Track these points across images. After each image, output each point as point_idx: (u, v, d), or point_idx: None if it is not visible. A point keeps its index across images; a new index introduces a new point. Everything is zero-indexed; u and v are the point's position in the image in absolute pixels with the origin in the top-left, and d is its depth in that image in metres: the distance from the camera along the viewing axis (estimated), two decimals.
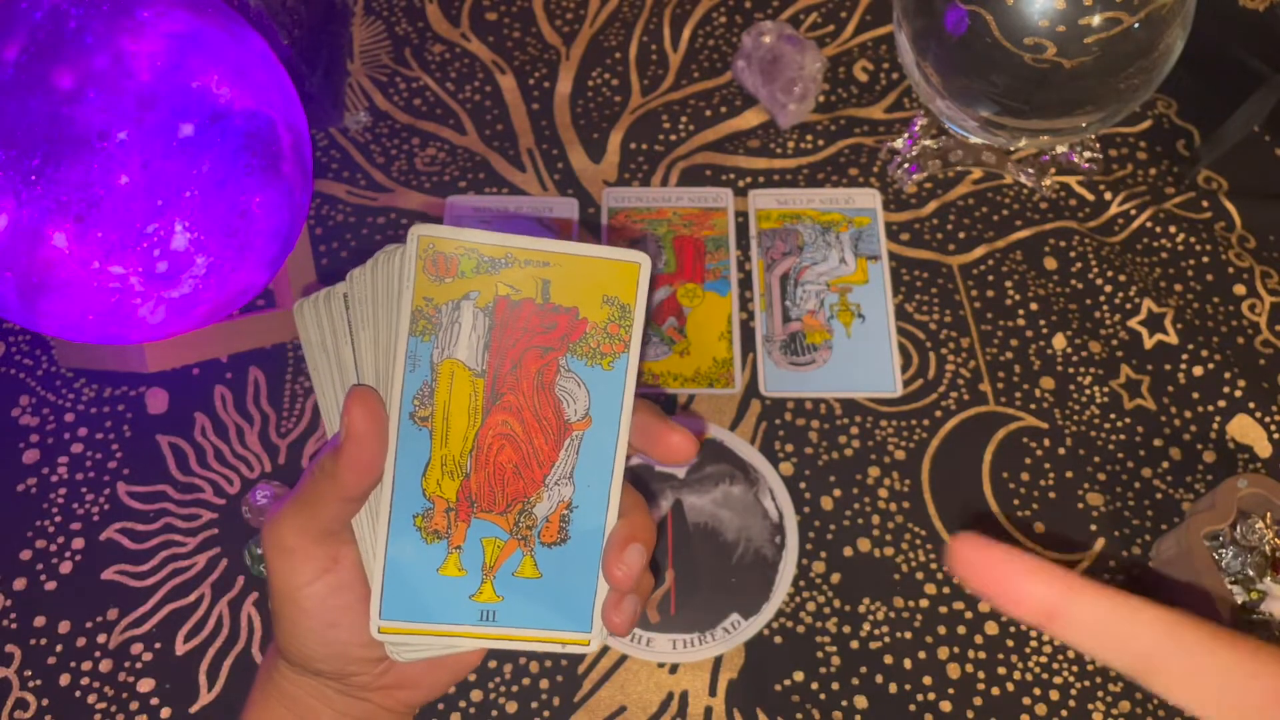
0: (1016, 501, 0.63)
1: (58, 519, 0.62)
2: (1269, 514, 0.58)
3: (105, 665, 0.58)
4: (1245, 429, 0.65)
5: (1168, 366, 0.67)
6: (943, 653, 0.59)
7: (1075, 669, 0.59)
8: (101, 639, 0.59)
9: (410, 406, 0.35)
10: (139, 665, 0.58)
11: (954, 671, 0.59)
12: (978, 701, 0.58)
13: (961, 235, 0.71)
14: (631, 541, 0.36)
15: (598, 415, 0.36)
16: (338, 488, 0.35)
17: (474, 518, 0.36)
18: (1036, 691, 0.58)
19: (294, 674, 0.39)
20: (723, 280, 0.69)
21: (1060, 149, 0.73)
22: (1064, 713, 0.58)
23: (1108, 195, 0.73)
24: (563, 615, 0.37)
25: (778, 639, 0.59)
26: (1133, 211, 0.72)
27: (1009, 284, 0.70)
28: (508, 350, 0.35)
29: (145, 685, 0.58)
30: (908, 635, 0.59)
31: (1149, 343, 0.68)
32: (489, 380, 0.35)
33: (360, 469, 0.35)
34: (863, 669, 0.59)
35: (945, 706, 0.58)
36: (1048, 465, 0.64)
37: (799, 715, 0.58)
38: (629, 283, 0.35)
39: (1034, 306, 0.69)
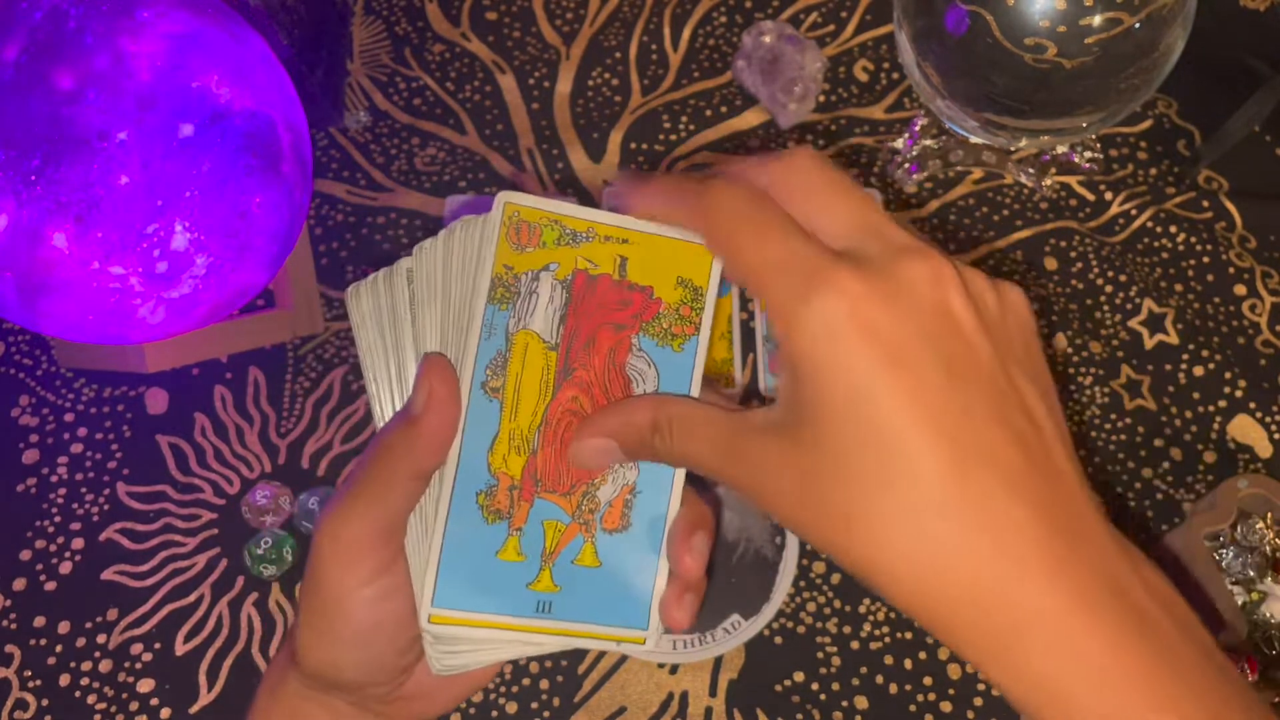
0: None
1: (57, 519, 0.62)
2: (1269, 514, 0.58)
3: (105, 665, 0.58)
4: (1245, 429, 0.65)
5: (1168, 367, 0.67)
6: (943, 653, 0.59)
7: None
8: (101, 639, 0.59)
9: (483, 376, 0.34)
10: (139, 665, 0.58)
11: (954, 671, 0.59)
12: (978, 701, 0.58)
13: (962, 235, 0.71)
14: (698, 528, 0.35)
15: (667, 392, 0.35)
16: (412, 462, 0.34)
17: (537, 498, 0.35)
18: None
19: (306, 689, 0.38)
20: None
21: (1060, 149, 0.73)
22: None
23: (1108, 195, 0.73)
24: (619, 610, 0.35)
25: (778, 639, 0.59)
26: (1133, 211, 0.72)
27: None
28: (582, 325, 0.35)
29: (145, 685, 0.58)
30: (908, 635, 0.59)
31: (1149, 343, 0.68)
32: (561, 354, 0.35)
33: (439, 439, 0.34)
34: (863, 669, 0.59)
35: (945, 706, 0.58)
36: None
37: (799, 715, 0.58)
38: (703, 266, 0.35)
39: (1034, 306, 0.69)
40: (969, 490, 0.28)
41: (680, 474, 0.35)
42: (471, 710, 0.58)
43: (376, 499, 0.35)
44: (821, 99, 0.76)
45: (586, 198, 0.72)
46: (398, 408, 0.38)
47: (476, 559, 0.34)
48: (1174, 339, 0.68)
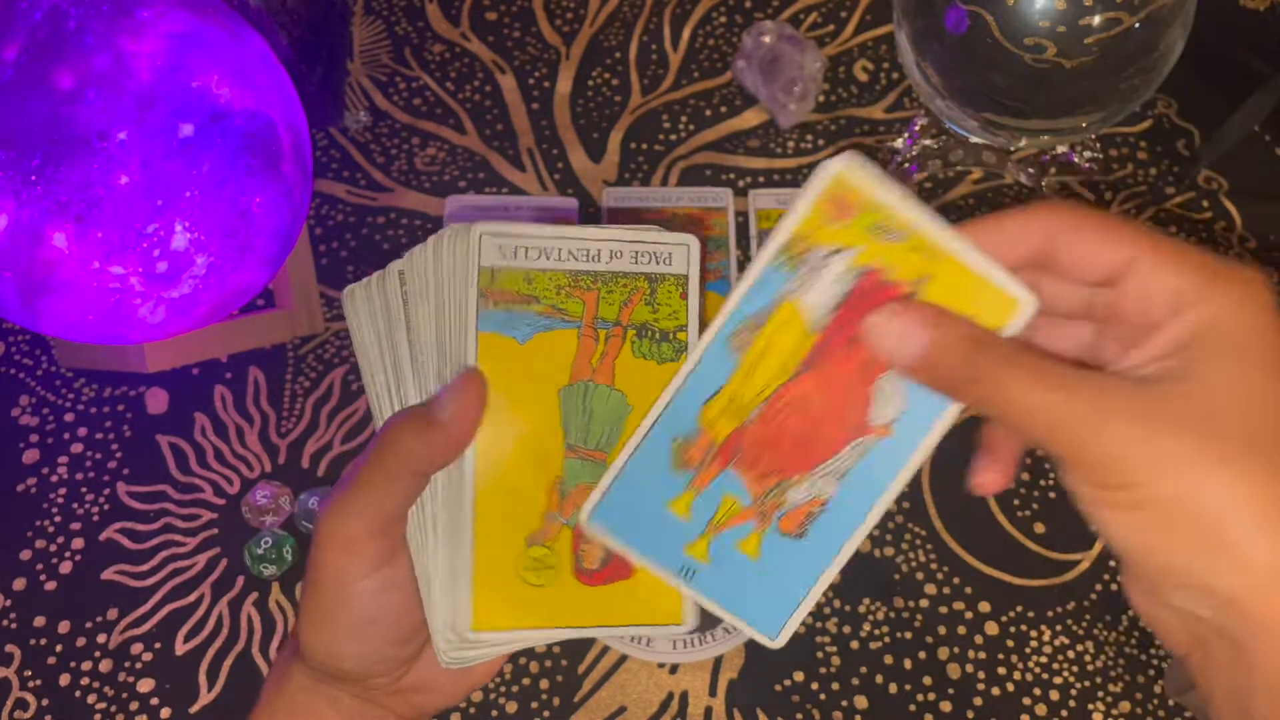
0: (1016, 502, 0.63)
1: (58, 519, 0.62)
2: None
3: (105, 665, 0.58)
4: None
5: None
6: (943, 653, 0.59)
7: (1075, 669, 0.59)
8: (101, 639, 0.59)
9: (733, 328, 0.32)
10: (139, 665, 0.58)
11: (954, 671, 0.59)
12: (978, 701, 0.58)
13: None
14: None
15: (903, 430, 0.33)
16: (423, 462, 0.34)
17: (729, 468, 0.34)
18: (1036, 691, 0.58)
19: (309, 680, 0.38)
20: (723, 280, 0.69)
21: (1060, 149, 0.73)
22: (1064, 713, 0.58)
23: (1108, 195, 0.73)
24: (759, 608, 0.34)
25: None
26: (1133, 211, 0.72)
27: None
28: (854, 321, 0.32)
29: (145, 685, 0.58)
30: (908, 635, 0.59)
31: None
32: (818, 343, 0.32)
33: (455, 448, 0.34)
34: (863, 669, 0.59)
35: (945, 706, 0.58)
36: (1048, 465, 0.64)
37: (799, 715, 0.58)
38: (1001, 316, 0.31)
39: None
40: None
41: (876, 514, 0.34)
42: (471, 710, 0.58)
43: (380, 493, 0.35)
44: (821, 99, 0.76)
45: (586, 197, 0.72)
46: (395, 403, 0.38)
47: (647, 497, 0.34)
48: None
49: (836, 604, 0.60)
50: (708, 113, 0.76)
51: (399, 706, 0.40)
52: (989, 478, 0.34)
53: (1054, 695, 0.58)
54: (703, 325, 0.35)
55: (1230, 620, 0.29)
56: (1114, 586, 0.61)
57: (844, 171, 0.30)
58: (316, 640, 0.37)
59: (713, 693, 0.58)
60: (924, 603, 0.60)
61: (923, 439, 0.33)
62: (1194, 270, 0.29)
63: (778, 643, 0.34)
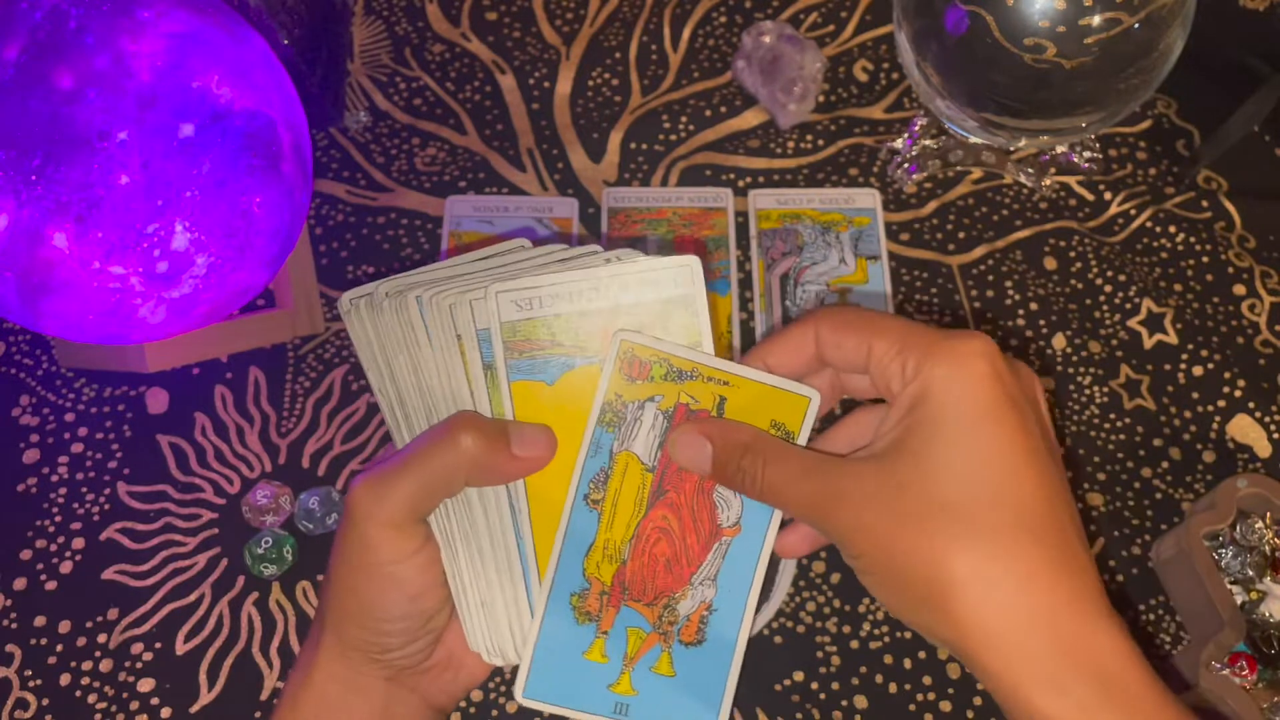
0: None
1: (58, 519, 0.62)
2: (1269, 514, 0.58)
3: (105, 665, 0.58)
4: (1245, 429, 0.65)
5: (1167, 366, 0.67)
6: (942, 653, 0.59)
7: None
8: (101, 639, 0.59)
9: (586, 489, 0.38)
10: (139, 665, 0.58)
11: (954, 671, 0.59)
12: (977, 701, 0.58)
13: (961, 235, 0.71)
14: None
15: (748, 524, 0.38)
16: (479, 477, 0.37)
17: (624, 605, 0.38)
18: None
19: (341, 670, 0.39)
20: (723, 280, 0.69)
21: (1060, 149, 0.73)
22: None
23: (1107, 195, 0.73)
24: (692, 716, 0.38)
25: (778, 639, 0.60)
26: (1132, 211, 0.72)
27: (1009, 284, 0.70)
28: None
29: (145, 685, 0.58)
30: (908, 635, 0.59)
31: (1149, 343, 0.68)
32: (657, 476, 0.38)
33: (512, 477, 0.38)
34: (863, 669, 0.59)
35: (945, 706, 0.58)
36: None
37: (799, 715, 0.58)
38: (797, 413, 0.38)
39: (1034, 306, 0.69)
40: (1056, 542, 0.32)
41: (753, 601, 0.38)
42: (472, 710, 0.58)
43: (434, 486, 0.37)
44: (821, 99, 0.76)
45: (586, 197, 0.72)
46: (401, 415, 0.40)
47: (565, 655, 0.38)
48: (1173, 339, 0.68)
49: (836, 604, 0.60)
50: (708, 113, 0.76)
51: (428, 688, 0.41)
52: (791, 542, 0.40)
53: None
54: (716, 335, 0.39)
55: (964, 661, 0.33)
56: (1112, 587, 0.61)
57: (623, 341, 0.38)
58: (364, 619, 0.38)
59: None
60: None
61: (767, 526, 0.38)
62: (916, 346, 0.34)
63: None
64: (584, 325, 0.38)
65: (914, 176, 0.72)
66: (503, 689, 0.58)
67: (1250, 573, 0.57)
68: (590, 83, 0.77)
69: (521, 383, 0.38)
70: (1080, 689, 0.31)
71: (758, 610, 0.58)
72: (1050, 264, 0.70)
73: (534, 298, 0.38)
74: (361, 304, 0.40)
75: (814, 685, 0.58)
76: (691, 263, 0.38)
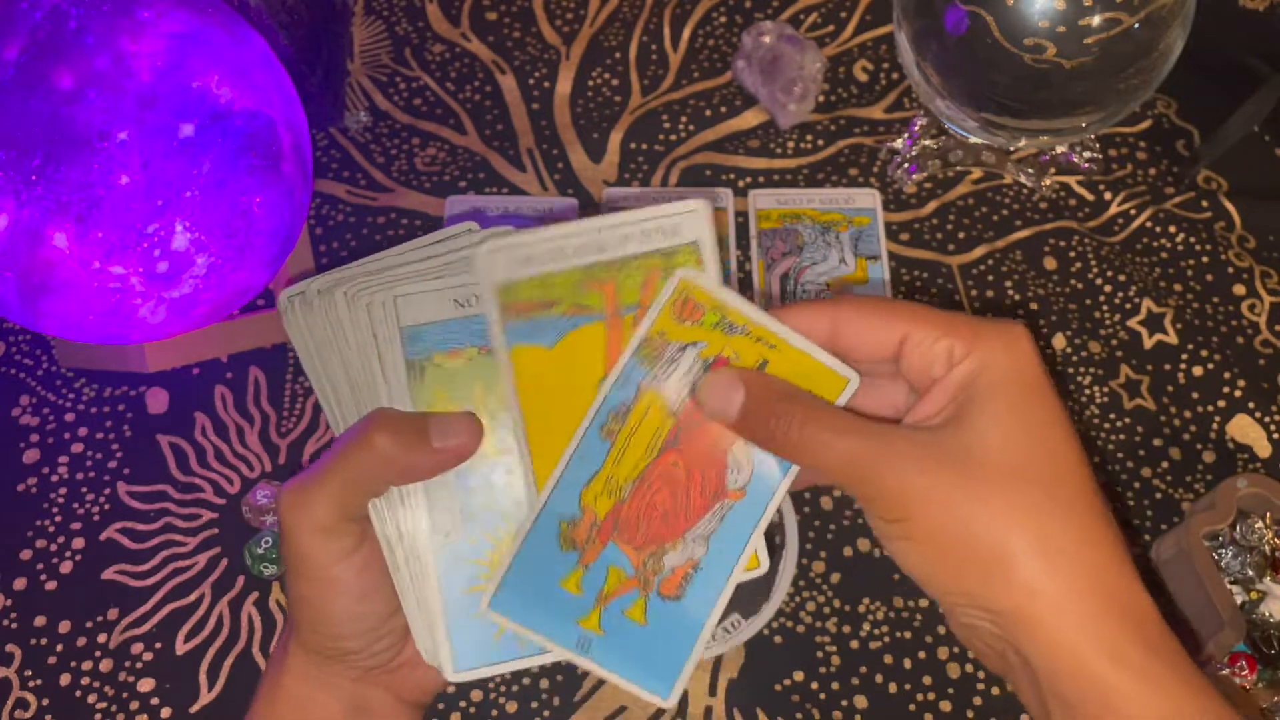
0: None
1: (58, 519, 0.62)
2: (1269, 514, 0.58)
3: (105, 665, 0.58)
4: (1245, 429, 0.65)
5: (1167, 366, 0.67)
6: (943, 653, 0.59)
7: None
8: (102, 639, 0.59)
9: (604, 418, 0.37)
10: (139, 665, 0.58)
11: (954, 671, 0.59)
12: (977, 701, 0.58)
13: (961, 235, 0.71)
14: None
15: (753, 492, 0.37)
16: (405, 475, 0.36)
17: (611, 542, 0.37)
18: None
19: (309, 670, 0.39)
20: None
21: (1060, 149, 0.73)
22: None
23: (1107, 195, 0.73)
24: (649, 670, 0.37)
25: (777, 639, 0.60)
26: (1132, 211, 0.72)
27: (1008, 284, 0.70)
28: None
29: (145, 685, 0.58)
30: (908, 635, 0.59)
31: (1149, 343, 0.68)
32: (678, 422, 0.37)
33: (436, 471, 0.37)
34: (863, 669, 0.59)
35: (945, 706, 0.58)
36: None
37: (799, 715, 0.58)
38: (833, 393, 0.36)
39: (1034, 306, 0.69)
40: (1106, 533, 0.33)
41: (739, 571, 0.37)
42: (472, 710, 0.58)
43: (357, 493, 0.36)
44: (821, 99, 0.76)
45: (586, 197, 0.72)
46: (341, 415, 0.39)
47: (541, 579, 0.37)
48: (1173, 339, 0.68)
49: (836, 604, 0.60)
50: (708, 113, 0.76)
51: (399, 685, 0.41)
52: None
53: None
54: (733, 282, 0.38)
55: (1011, 635, 0.32)
56: None
57: (683, 280, 0.36)
58: (317, 625, 0.38)
59: (712, 692, 0.58)
60: (924, 603, 0.60)
61: (769, 498, 0.37)
62: (960, 331, 0.34)
63: (669, 702, 0.37)
64: (585, 281, 0.36)
65: (914, 176, 0.72)
66: (503, 689, 0.58)
67: (1250, 573, 0.57)
68: (590, 83, 0.77)
69: (521, 348, 0.36)
70: (1137, 654, 0.31)
71: (757, 612, 0.58)
72: (1050, 264, 0.70)
73: (530, 255, 0.36)
74: (296, 302, 0.38)
75: (814, 685, 0.58)
76: (699, 206, 0.36)
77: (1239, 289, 0.70)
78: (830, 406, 0.36)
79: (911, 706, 0.58)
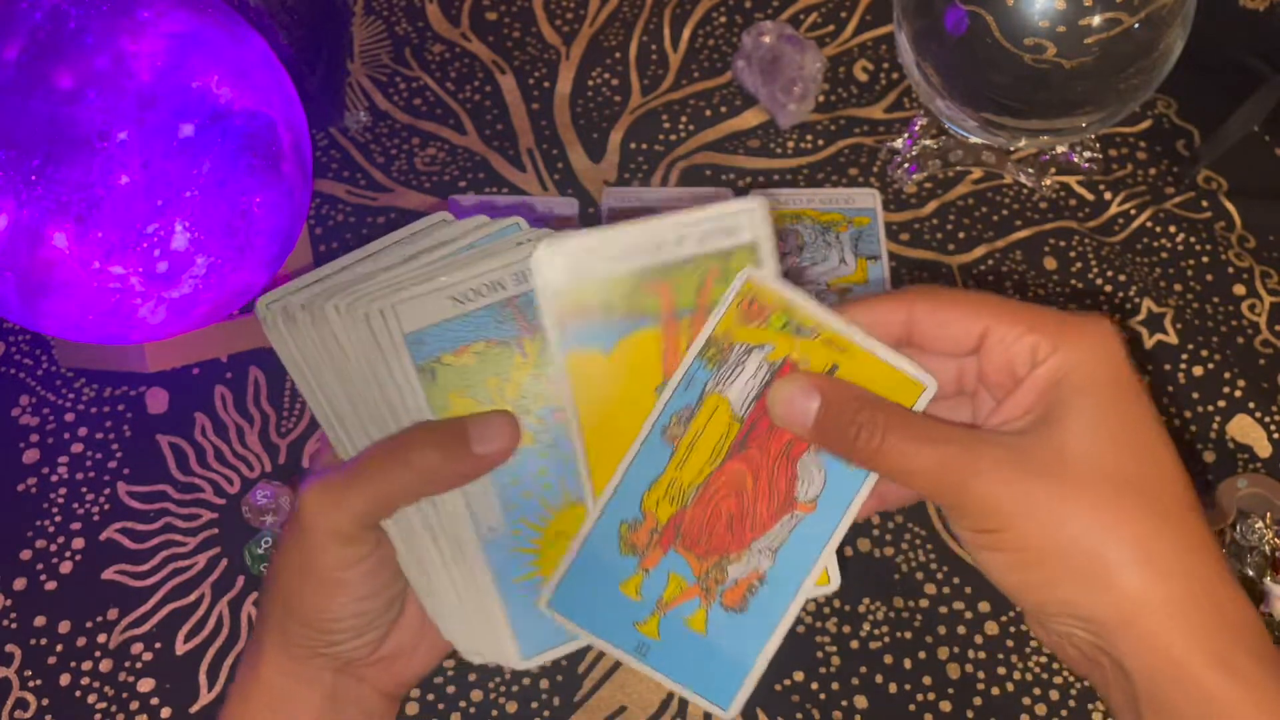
0: None
1: (58, 519, 0.62)
2: (1269, 514, 0.58)
3: (105, 665, 0.58)
4: (1245, 429, 0.65)
5: (1167, 366, 0.67)
6: (943, 653, 0.59)
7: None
8: (101, 639, 0.59)
9: (666, 421, 0.36)
10: (139, 665, 0.58)
11: (954, 671, 0.59)
12: (977, 701, 0.58)
13: (961, 235, 0.71)
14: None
15: (825, 505, 0.36)
16: (443, 484, 0.35)
17: (673, 549, 0.36)
18: (1036, 691, 0.58)
19: (288, 663, 0.39)
20: None
21: (1060, 149, 0.73)
22: (1064, 713, 0.58)
23: (1107, 195, 0.73)
24: (708, 681, 0.36)
25: None
26: (1133, 211, 0.72)
27: (1009, 284, 0.70)
28: None
29: (145, 685, 0.58)
30: (908, 635, 0.59)
31: (1149, 343, 0.68)
32: (744, 428, 0.35)
33: (476, 476, 0.36)
34: (863, 669, 0.59)
35: (945, 706, 0.58)
36: None
37: (799, 715, 0.58)
38: (909, 398, 0.35)
39: None
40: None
41: (809, 585, 0.36)
42: (472, 710, 0.58)
43: (384, 494, 0.35)
44: (821, 99, 0.76)
45: (586, 197, 0.72)
46: (342, 430, 0.38)
47: (600, 581, 0.36)
48: (1173, 339, 0.68)
49: (836, 604, 0.60)
50: (708, 113, 0.76)
51: (378, 677, 0.40)
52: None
53: (1054, 695, 0.58)
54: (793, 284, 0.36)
55: (1109, 643, 0.32)
56: None
57: (750, 279, 0.35)
58: (310, 621, 0.37)
59: None
60: (924, 603, 0.60)
61: (843, 513, 0.36)
62: (1045, 327, 0.33)
63: (729, 714, 0.36)
64: (641, 284, 0.35)
65: (914, 176, 0.72)
66: (503, 689, 0.58)
67: (1250, 573, 0.57)
68: (590, 83, 0.77)
69: (577, 353, 0.35)
70: (1246, 663, 0.31)
71: None
72: (1050, 264, 0.70)
73: (587, 258, 0.35)
74: (278, 318, 0.37)
75: (814, 685, 0.58)
76: (755, 206, 0.35)
77: (1239, 289, 0.70)
78: (912, 413, 0.34)
79: (911, 706, 0.58)
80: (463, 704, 0.58)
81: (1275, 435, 0.65)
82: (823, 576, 0.37)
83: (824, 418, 0.34)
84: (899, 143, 0.73)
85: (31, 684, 0.58)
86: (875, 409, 0.33)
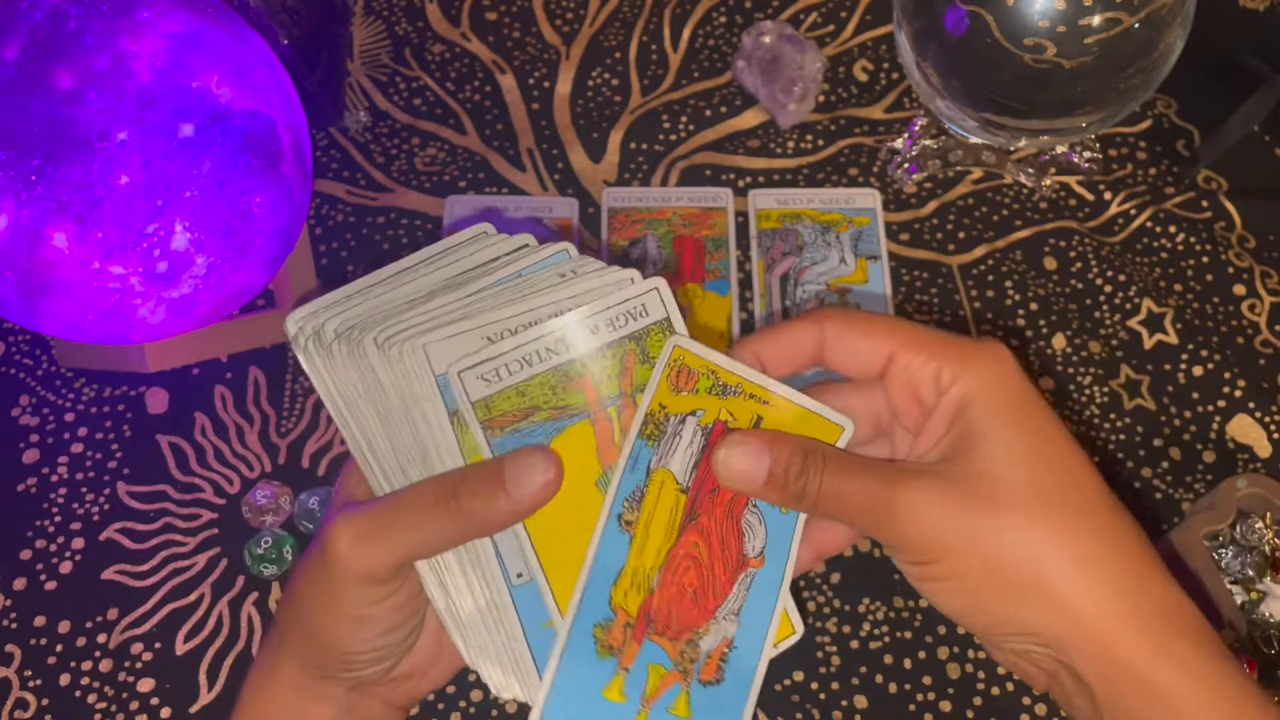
0: None
1: (58, 519, 0.62)
2: (1269, 514, 0.58)
3: (105, 665, 0.58)
4: (1245, 429, 0.65)
5: (1167, 366, 0.67)
6: (943, 653, 0.59)
7: None
8: (101, 639, 0.59)
9: (620, 508, 0.35)
10: (139, 665, 0.58)
11: (954, 671, 0.59)
12: (978, 701, 0.58)
13: (961, 235, 0.71)
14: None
15: (770, 555, 0.36)
16: (483, 529, 0.34)
17: (647, 639, 0.36)
18: (1036, 691, 0.58)
19: (304, 680, 0.38)
20: (722, 280, 0.69)
21: (1060, 149, 0.73)
22: (1063, 713, 0.58)
23: (1107, 195, 0.73)
24: None
25: None
26: (1132, 211, 0.72)
27: (1009, 284, 0.70)
28: (712, 473, 0.36)
29: (145, 685, 0.58)
30: (908, 635, 0.59)
31: (1149, 343, 0.68)
32: (690, 497, 0.36)
33: (518, 520, 0.35)
34: (863, 669, 0.59)
35: (945, 706, 0.58)
36: None
37: (799, 715, 0.58)
38: (829, 440, 0.36)
39: (1034, 306, 0.69)
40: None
41: (771, 637, 0.37)
42: (472, 710, 0.58)
43: (423, 548, 0.35)
44: (821, 99, 0.76)
45: (586, 197, 0.72)
46: (376, 464, 0.37)
47: (583, 692, 0.35)
48: (1173, 339, 0.68)
49: (836, 604, 0.60)
50: (708, 113, 0.76)
51: (390, 694, 0.40)
52: (826, 540, 0.38)
53: None
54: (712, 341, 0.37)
55: (1063, 654, 0.32)
56: None
57: (676, 347, 0.35)
58: (330, 649, 0.37)
59: None
60: (924, 603, 0.60)
61: (787, 558, 0.37)
62: (947, 354, 0.34)
63: None
64: (562, 382, 0.35)
65: (914, 176, 0.72)
66: None
67: (1250, 573, 0.57)
68: (590, 83, 0.77)
69: None
70: (1187, 652, 0.31)
71: None
72: (1050, 264, 0.70)
73: (498, 368, 0.34)
74: (311, 344, 0.36)
75: (814, 685, 0.58)
76: (656, 285, 0.36)
77: (1239, 289, 0.70)
78: (844, 452, 0.35)
79: (911, 706, 0.58)
80: (462, 704, 0.58)
81: (1275, 435, 0.65)
82: (785, 626, 0.37)
83: (776, 471, 0.34)
84: (899, 143, 0.73)
85: (31, 684, 0.58)
86: (815, 455, 0.34)
